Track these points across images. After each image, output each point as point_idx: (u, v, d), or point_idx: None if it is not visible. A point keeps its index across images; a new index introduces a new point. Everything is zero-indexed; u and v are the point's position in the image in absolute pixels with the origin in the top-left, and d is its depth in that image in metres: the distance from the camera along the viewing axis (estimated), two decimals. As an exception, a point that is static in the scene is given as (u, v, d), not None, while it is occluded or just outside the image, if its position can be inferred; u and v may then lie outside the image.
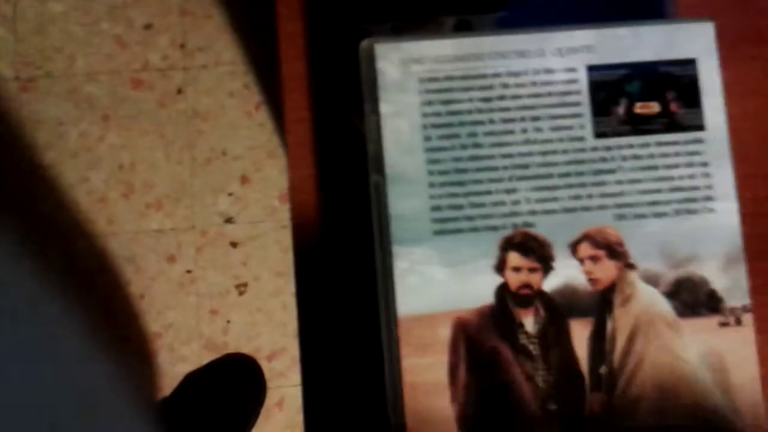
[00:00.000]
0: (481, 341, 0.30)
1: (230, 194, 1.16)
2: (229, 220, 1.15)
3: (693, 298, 0.31)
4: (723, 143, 0.32)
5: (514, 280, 0.31)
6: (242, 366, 1.08)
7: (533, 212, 0.31)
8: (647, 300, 0.31)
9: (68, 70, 1.19)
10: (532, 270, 0.31)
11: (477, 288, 0.31)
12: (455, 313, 0.30)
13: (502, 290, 0.31)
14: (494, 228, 0.31)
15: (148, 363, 1.12)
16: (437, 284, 0.30)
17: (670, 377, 0.31)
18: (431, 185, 0.31)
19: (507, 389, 0.30)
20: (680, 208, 0.32)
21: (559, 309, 0.31)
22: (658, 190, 0.32)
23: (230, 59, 1.19)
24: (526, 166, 0.31)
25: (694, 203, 0.32)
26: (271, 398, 1.09)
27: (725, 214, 0.32)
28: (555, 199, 0.31)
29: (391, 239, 0.30)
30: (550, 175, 0.31)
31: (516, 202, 0.31)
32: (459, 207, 0.31)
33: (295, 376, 1.11)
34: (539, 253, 0.31)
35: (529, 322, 0.31)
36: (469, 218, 0.31)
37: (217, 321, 1.12)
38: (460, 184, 0.31)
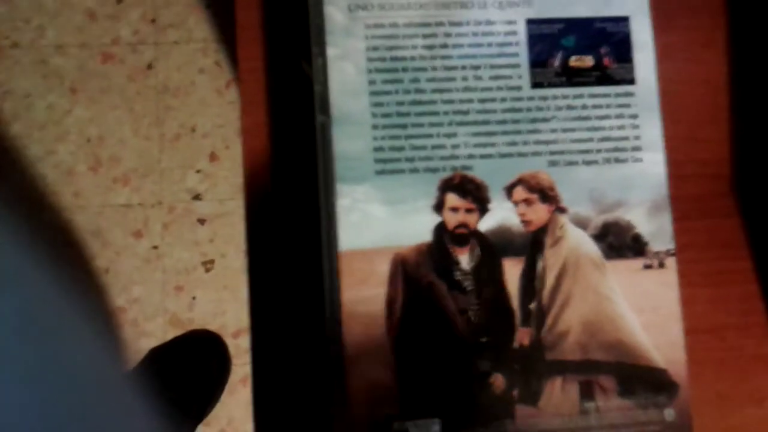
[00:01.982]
0: (418, 276, 0.32)
1: (198, 171, 1.15)
2: (197, 197, 1.15)
3: (619, 241, 0.33)
4: (652, 97, 0.34)
5: (452, 219, 0.32)
6: (207, 342, 1.08)
7: (471, 156, 0.33)
8: (576, 242, 0.33)
9: (37, 42, 1.17)
10: (468, 210, 0.32)
11: (416, 226, 0.32)
12: (394, 249, 0.32)
13: (440, 229, 0.32)
14: (434, 170, 0.32)
15: (111, 337, 1.12)
16: (378, 221, 0.32)
17: (595, 315, 0.32)
18: (374, 127, 0.32)
19: (441, 322, 0.32)
20: (609, 157, 0.34)
21: (494, 248, 0.32)
22: (590, 139, 0.34)
23: (202, 36, 1.18)
24: (465, 112, 0.33)
25: (622, 152, 0.34)
26: (236, 375, 1.10)
27: (652, 164, 0.34)
28: (492, 145, 0.33)
29: (335, 177, 0.32)
30: (488, 122, 0.33)
31: (455, 146, 0.33)
32: (400, 149, 0.32)
33: (259, 353, 1.11)
34: (476, 194, 0.32)
35: (465, 259, 0.32)
36: (410, 160, 0.32)
37: (182, 297, 1.13)
38: (402, 126, 0.32)
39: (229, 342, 1.10)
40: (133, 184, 1.15)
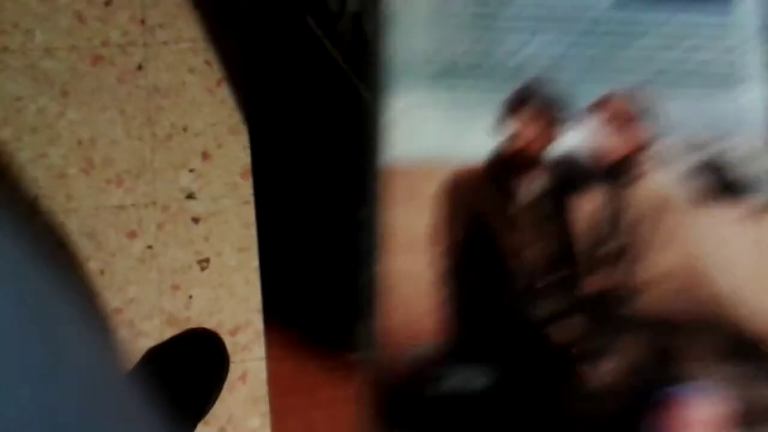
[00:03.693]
0: (471, 202, 0.25)
1: (191, 170, 1.10)
2: (190, 196, 1.09)
3: (713, 184, 0.26)
4: (751, 30, 0.28)
5: (516, 141, 0.26)
6: (204, 340, 1.04)
7: (546, 70, 0.26)
8: (662, 180, 0.26)
9: (26, 45, 1.12)
10: (536, 132, 0.26)
11: (473, 143, 0.26)
12: (447, 166, 0.25)
13: (500, 151, 0.26)
14: (501, 80, 0.26)
15: (108, 339, 1.05)
16: (431, 133, 0.26)
17: (682, 267, 0.26)
18: (437, 27, 0.26)
19: (493, 257, 0.25)
20: (703, 93, 0.27)
21: (562, 179, 0.26)
22: (682, 71, 0.27)
23: (191, 36, 1.13)
24: (543, 22, 0.27)
25: (719, 87, 0.27)
26: (234, 372, 1.04)
27: (752, 102, 0.27)
28: (572, 59, 0.26)
29: (387, 81, 0.26)
30: (568, 34, 0.27)
31: (528, 57, 0.26)
32: (465, 54, 0.26)
33: (258, 350, 1.06)
34: (547, 115, 0.26)
35: (527, 189, 0.26)
36: (475, 67, 0.26)
37: (178, 296, 1.06)
38: (469, 28, 0.26)
39: (227, 340, 1.04)
40: (126, 185, 1.09)
